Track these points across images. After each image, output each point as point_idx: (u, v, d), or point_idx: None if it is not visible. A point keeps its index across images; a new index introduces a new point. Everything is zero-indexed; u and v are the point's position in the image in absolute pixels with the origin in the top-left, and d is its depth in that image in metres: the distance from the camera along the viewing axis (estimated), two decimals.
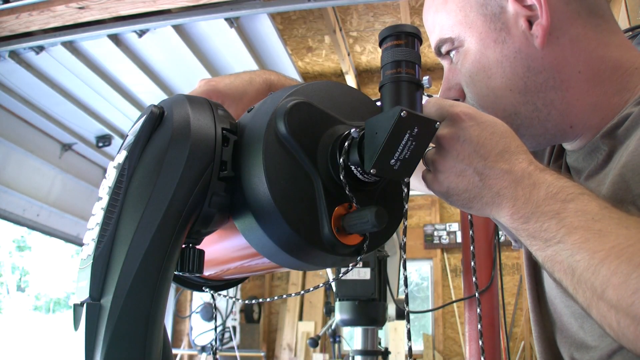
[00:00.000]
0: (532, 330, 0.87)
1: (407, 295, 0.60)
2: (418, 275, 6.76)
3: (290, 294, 0.75)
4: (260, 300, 0.79)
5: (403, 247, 0.58)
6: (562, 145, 0.83)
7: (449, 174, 0.59)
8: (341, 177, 0.54)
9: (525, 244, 0.58)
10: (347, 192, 0.54)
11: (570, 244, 0.52)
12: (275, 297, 0.73)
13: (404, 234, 0.58)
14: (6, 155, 3.82)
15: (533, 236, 0.56)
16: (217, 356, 0.74)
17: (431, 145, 0.59)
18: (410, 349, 0.59)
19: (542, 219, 0.55)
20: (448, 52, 0.79)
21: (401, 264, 0.58)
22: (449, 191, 0.60)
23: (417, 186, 0.93)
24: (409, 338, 0.58)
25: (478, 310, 0.75)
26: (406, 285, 0.59)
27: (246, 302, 0.75)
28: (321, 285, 0.64)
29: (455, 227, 6.31)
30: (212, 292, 0.75)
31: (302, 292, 0.70)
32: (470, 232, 0.79)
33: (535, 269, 0.89)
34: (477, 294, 0.70)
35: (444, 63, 0.82)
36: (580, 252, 0.52)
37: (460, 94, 0.79)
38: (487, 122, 0.59)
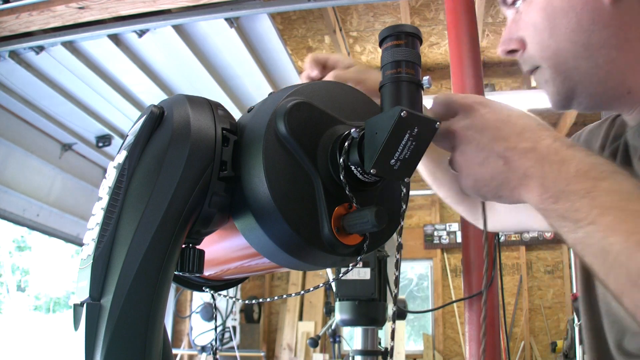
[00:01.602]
0: (581, 320, 0.85)
1: (396, 296, 0.60)
2: (415, 275, 6.76)
3: (291, 294, 0.75)
4: (260, 300, 0.79)
5: (398, 248, 0.58)
6: (625, 122, 0.80)
7: (473, 166, 0.58)
8: (341, 177, 0.54)
9: (554, 228, 0.55)
10: (347, 192, 0.54)
11: (603, 226, 0.49)
12: (276, 297, 0.73)
13: (400, 234, 0.58)
14: (6, 155, 3.82)
15: (563, 217, 0.52)
16: (217, 356, 0.74)
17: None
18: (392, 348, 0.58)
19: (573, 198, 0.51)
20: (514, 2, 0.77)
21: (395, 264, 0.58)
22: (476, 184, 0.58)
23: (527, 223, 0.93)
24: (392, 338, 0.57)
25: (483, 311, 0.75)
26: (397, 285, 0.58)
27: (246, 302, 0.75)
28: (321, 285, 0.63)
29: (455, 227, 6.31)
30: (212, 292, 0.75)
31: (302, 292, 0.70)
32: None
33: None
34: (484, 293, 0.70)
35: (508, 13, 0.79)
36: (614, 235, 0.49)
37: (520, 44, 0.76)
38: (501, 106, 0.58)
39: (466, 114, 0.58)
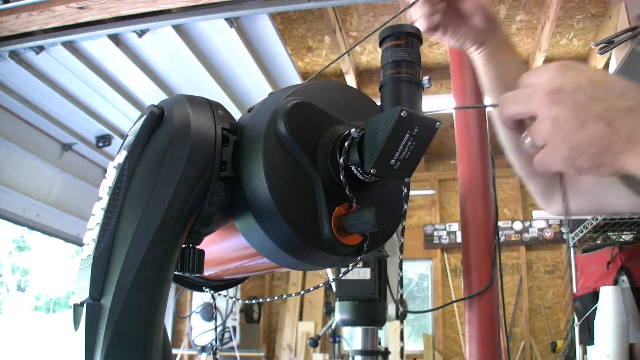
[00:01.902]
0: None
1: (402, 296, 0.60)
2: (415, 275, 6.76)
3: (291, 294, 0.75)
4: (260, 300, 0.79)
5: (400, 248, 0.57)
6: None
7: (568, 131, 0.51)
8: (341, 177, 0.54)
9: None
10: (347, 192, 0.54)
11: None
12: (276, 297, 0.73)
13: (402, 234, 0.58)
14: (6, 155, 3.82)
15: None
16: (217, 356, 0.74)
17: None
18: (402, 349, 0.58)
19: None
20: None
21: (399, 264, 0.58)
22: (572, 152, 0.51)
23: (612, 203, 0.87)
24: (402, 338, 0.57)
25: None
26: (401, 285, 0.58)
27: (246, 302, 0.75)
28: (321, 285, 0.63)
29: (455, 227, 6.31)
30: (212, 292, 0.75)
31: (302, 292, 0.70)
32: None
33: None
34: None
35: None
36: None
37: None
38: (593, 68, 0.54)
39: (556, 75, 0.53)
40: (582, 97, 0.51)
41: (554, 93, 0.52)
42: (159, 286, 0.48)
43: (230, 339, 4.65)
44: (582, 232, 3.31)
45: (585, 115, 0.50)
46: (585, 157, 0.51)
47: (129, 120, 3.93)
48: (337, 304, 1.60)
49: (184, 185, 0.50)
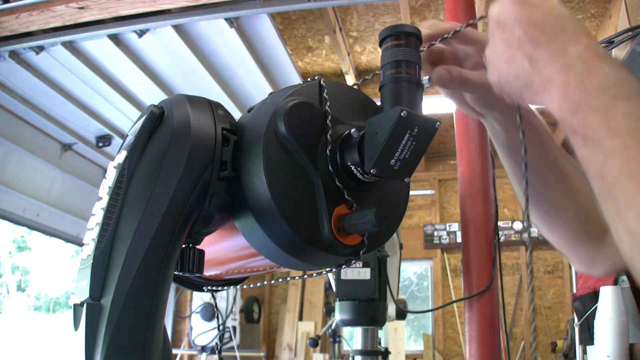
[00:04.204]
0: None
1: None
2: (414, 275, 6.76)
3: (294, 277, 0.74)
4: (265, 282, 0.78)
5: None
6: None
7: (500, 62, 0.56)
8: (341, 177, 0.54)
9: (568, 140, 0.52)
10: (345, 194, 0.54)
11: (607, 148, 0.46)
12: (280, 280, 0.71)
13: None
14: (6, 155, 3.82)
15: (574, 131, 0.50)
16: (221, 355, 0.74)
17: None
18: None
19: (588, 113, 0.48)
20: None
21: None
22: (500, 80, 0.56)
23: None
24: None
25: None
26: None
27: (250, 286, 0.75)
28: (324, 272, 0.61)
29: (455, 227, 6.31)
30: (212, 291, 0.75)
31: (305, 276, 0.69)
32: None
33: None
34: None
35: None
36: (614, 159, 0.46)
37: None
38: (540, 3, 0.55)
39: (501, 6, 0.56)
40: (517, 34, 0.54)
41: (497, 25, 0.56)
42: (159, 286, 0.48)
43: (230, 339, 4.65)
44: None
45: (515, 51, 0.54)
46: (509, 88, 0.56)
47: (129, 120, 3.93)
48: (337, 304, 1.60)
49: (184, 185, 0.50)
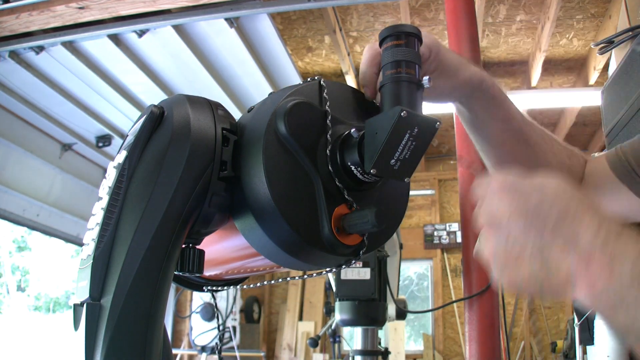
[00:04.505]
0: None
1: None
2: (415, 275, 6.76)
3: (294, 277, 0.74)
4: (265, 283, 0.78)
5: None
6: None
7: (506, 265, 0.48)
8: (341, 177, 0.54)
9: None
10: (345, 194, 0.54)
11: None
12: (280, 280, 0.72)
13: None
14: (6, 155, 3.82)
15: (627, 330, 0.44)
16: (221, 355, 0.74)
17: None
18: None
19: (627, 310, 0.42)
20: None
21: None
22: (512, 284, 0.49)
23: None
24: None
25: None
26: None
27: (251, 286, 0.75)
28: (324, 272, 0.61)
29: (455, 227, 6.30)
30: (212, 291, 0.75)
31: (305, 276, 0.70)
32: None
33: None
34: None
35: None
36: None
37: None
38: (530, 187, 0.48)
39: (489, 203, 0.49)
40: (518, 230, 0.47)
41: (490, 222, 0.49)
42: (159, 286, 0.48)
43: (230, 339, 4.65)
44: None
45: (520, 250, 0.47)
46: (526, 289, 0.48)
47: (129, 120, 3.93)
48: (337, 304, 1.60)
49: (184, 185, 0.50)
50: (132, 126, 0.56)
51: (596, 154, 0.87)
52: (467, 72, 0.73)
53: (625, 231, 0.45)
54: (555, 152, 0.84)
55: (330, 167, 0.54)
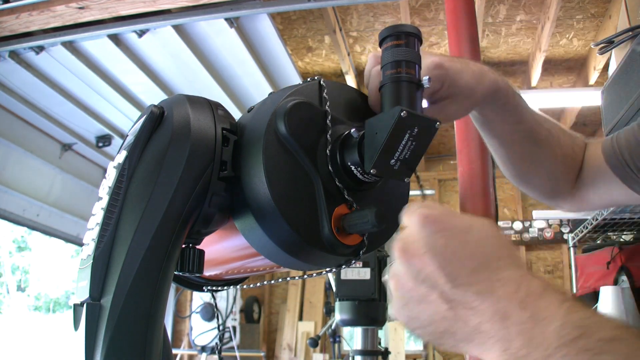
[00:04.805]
0: None
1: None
2: None
3: (294, 277, 0.74)
4: (265, 283, 0.78)
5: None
6: None
7: (409, 299, 0.44)
8: (341, 177, 0.54)
9: None
10: (345, 194, 0.54)
11: None
12: (280, 279, 0.72)
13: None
14: (6, 155, 3.82)
15: None
16: (221, 355, 0.74)
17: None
18: None
19: None
20: None
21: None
22: (410, 322, 0.45)
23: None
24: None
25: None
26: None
27: (251, 286, 0.75)
28: (324, 272, 0.61)
29: None
30: (212, 291, 0.75)
31: (305, 276, 0.70)
32: None
33: None
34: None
35: None
36: None
37: None
38: (458, 226, 0.44)
39: (412, 230, 0.45)
40: (430, 268, 0.43)
41: (404, 252, 0.45)
42: (159, 286, 0.48)
43: (230, 339, 4.65)
44: (582, 232, 3.31)
45: (428, 289, 0.43)
46: (424, 332, 0.45)
47: (129, 120, 3.92)
48: (337, 304, 1.60)
49: (184, 185, 0.50)
50: (132, 126, 0.56)
51: (592, 140, 0.89)
52: (482, 88, 0.69)
53: (547, 291, 0.41)
54: (562, 145, 0.85)
55: (330, 167, 0.54)
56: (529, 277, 0.42)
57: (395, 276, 0.46)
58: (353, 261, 0.57)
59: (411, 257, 0.44)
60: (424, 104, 0.60)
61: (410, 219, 0.46)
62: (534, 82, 4.55)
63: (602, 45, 1.87)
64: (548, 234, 6.10)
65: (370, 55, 0.64)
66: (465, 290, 0.42)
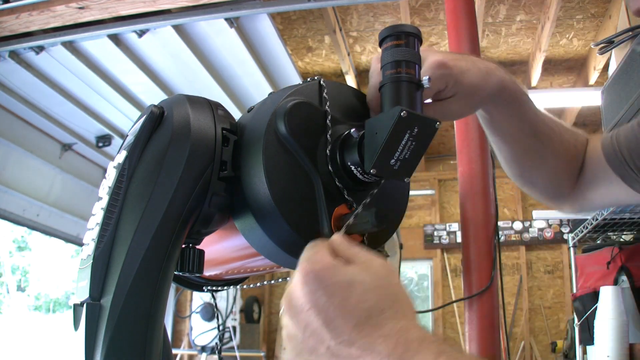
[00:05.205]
0: None
1: None
2: (416, 274, 6.76)
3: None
4: (265, 283, 0.78)
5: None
6: None
7: (300, 350, 0.45)
8: (341, 177, 0.54)
9: None
10: (345, 194, 0.54)
11: None
12: (280, 279, 0.72)
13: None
14: (6, 155, 3.82)
15: None
16: (221, 355, 0.74)
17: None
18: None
19: None
20: None
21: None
22: None
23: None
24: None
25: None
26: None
27: (251, 286, 0.75)
28: None
29: (455, 227, 6.30)
30: (212, 291, 0.75)
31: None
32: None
33: None
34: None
35: None
36: None
37: None
38: (339, 282, 0.44)
39: (299, 284, 0.45)
40: (315, 325, 0.44)
41: (290, 309, 0.45)
42: (159, 286, 0.48)
43: (230, 339, 4.65)
44: (582, 232, 3.31)
45: (315, 344, 0.44)
46: None
47: (129, 120, 3.92)
48: None
49: (183, 185, 0.50)
50: (132, 126, 0.56)
51: (594, 136, 0.89)
52: (488, 87, 0.69)
53: (424, 345, 0.42)
54: (563, 141, 0.85)
55: (330, 167, 0.54)
56: (408, 330, 0.43)
57: (286, 327, 0.46)
58: None
59: (298, 313, 0.45)
60: (426, 100, 0.60)
61: (295, 274, 0.46)
62: (534, 82, 4.56)
63: (602, 45, 1.87)
64: (548, 234, 6.11)
65: (374, 57, 0.64)
66: (349, 346, 0.43)
